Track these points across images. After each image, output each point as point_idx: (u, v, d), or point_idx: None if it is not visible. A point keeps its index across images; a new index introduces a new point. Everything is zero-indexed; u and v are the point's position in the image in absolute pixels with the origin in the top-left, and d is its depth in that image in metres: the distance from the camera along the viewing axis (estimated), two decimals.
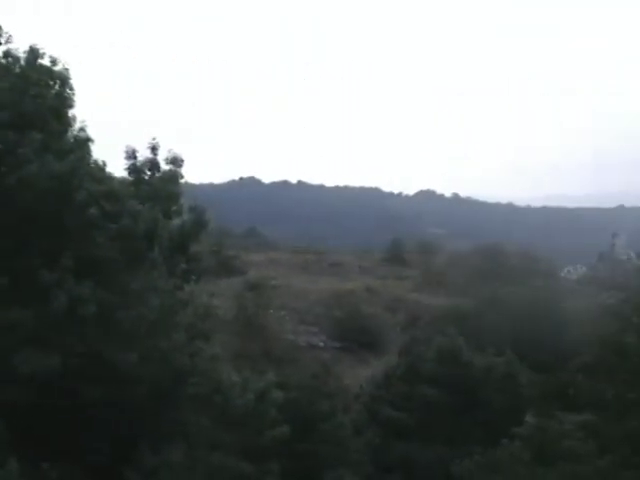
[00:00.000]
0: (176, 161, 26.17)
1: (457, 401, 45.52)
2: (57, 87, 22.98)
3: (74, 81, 23.18)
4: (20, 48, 22.92)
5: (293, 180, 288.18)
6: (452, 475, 34.91)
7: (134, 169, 26.10)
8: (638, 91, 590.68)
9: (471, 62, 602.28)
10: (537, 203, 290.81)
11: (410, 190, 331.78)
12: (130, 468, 21.83)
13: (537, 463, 28.04)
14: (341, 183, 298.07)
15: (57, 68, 22.95)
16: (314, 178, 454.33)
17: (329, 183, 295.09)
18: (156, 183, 25.83)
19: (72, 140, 23.23)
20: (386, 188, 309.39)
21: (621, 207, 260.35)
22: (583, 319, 69.83)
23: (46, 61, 22.86)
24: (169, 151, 26.20)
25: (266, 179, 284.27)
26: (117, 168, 25.77)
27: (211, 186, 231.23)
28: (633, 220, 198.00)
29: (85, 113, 23.46)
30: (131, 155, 26.07)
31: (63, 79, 23.00)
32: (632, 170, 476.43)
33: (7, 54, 22.77)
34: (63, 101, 23.12)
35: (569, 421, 28.98)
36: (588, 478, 25.28)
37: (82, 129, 23.49)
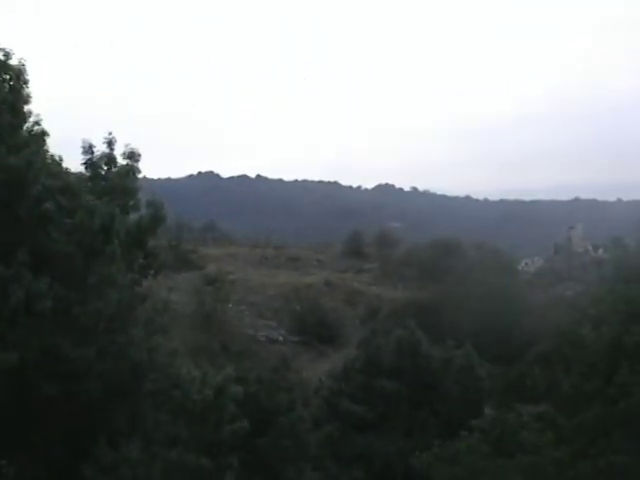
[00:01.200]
0: (133, 156, 25.90)
1: (416, 394, 45.78)
2: (11, 82, 22.71)
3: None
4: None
5: (252, 174, 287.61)
6: (411, 467, 35.04)
7: (91, 164, 25.81)
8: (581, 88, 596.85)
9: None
10: (494, 196, 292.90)
11: (369, 184, 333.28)
12: (88, 464, 21.69)
13: (496, 455, 28.19)
14: (300, 177, 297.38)
15: (12, 62, 22.67)
16: (273, 172, 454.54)
17: (288, 177, 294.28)
18: (113, 178, 25.56)
19: (27, 134, 23.00)
20: (345, 182, 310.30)
21: (577, 199, 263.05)
22: (541, 311, 70.66)
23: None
24: (126, 146, 25.98)
25: (224, 173, 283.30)
26: None
27: (169, 180, 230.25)
28: (589, 212, 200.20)
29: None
30: (88, 150, 25.78)
31: (17, 73, 22.72)
32: (587, 163, 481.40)
33: None
34: (18, 95, 22.83)
35: (527, 412, 29.20)
36: (545, 469, 25.48)
37: (37, 123, 23.27)
